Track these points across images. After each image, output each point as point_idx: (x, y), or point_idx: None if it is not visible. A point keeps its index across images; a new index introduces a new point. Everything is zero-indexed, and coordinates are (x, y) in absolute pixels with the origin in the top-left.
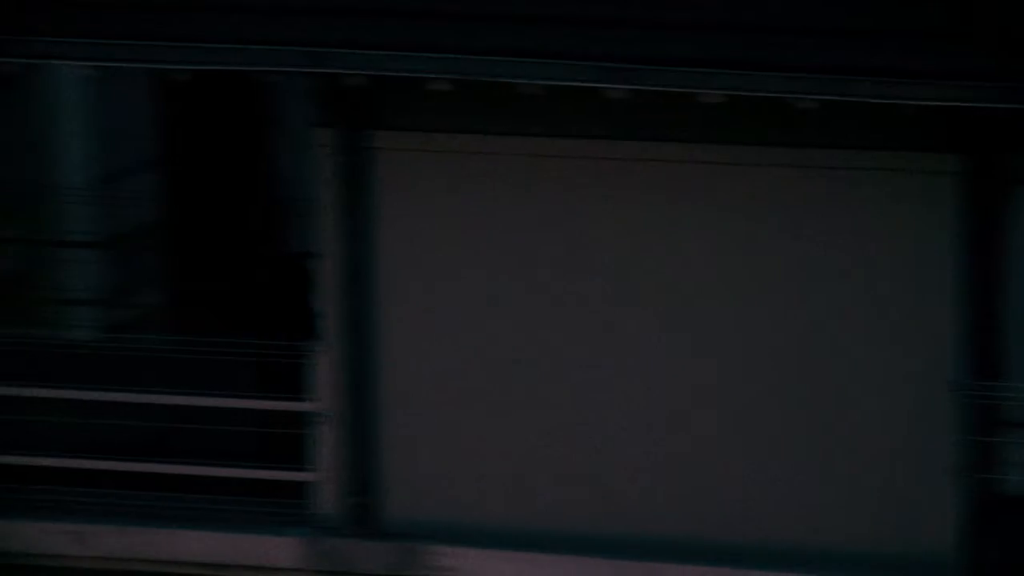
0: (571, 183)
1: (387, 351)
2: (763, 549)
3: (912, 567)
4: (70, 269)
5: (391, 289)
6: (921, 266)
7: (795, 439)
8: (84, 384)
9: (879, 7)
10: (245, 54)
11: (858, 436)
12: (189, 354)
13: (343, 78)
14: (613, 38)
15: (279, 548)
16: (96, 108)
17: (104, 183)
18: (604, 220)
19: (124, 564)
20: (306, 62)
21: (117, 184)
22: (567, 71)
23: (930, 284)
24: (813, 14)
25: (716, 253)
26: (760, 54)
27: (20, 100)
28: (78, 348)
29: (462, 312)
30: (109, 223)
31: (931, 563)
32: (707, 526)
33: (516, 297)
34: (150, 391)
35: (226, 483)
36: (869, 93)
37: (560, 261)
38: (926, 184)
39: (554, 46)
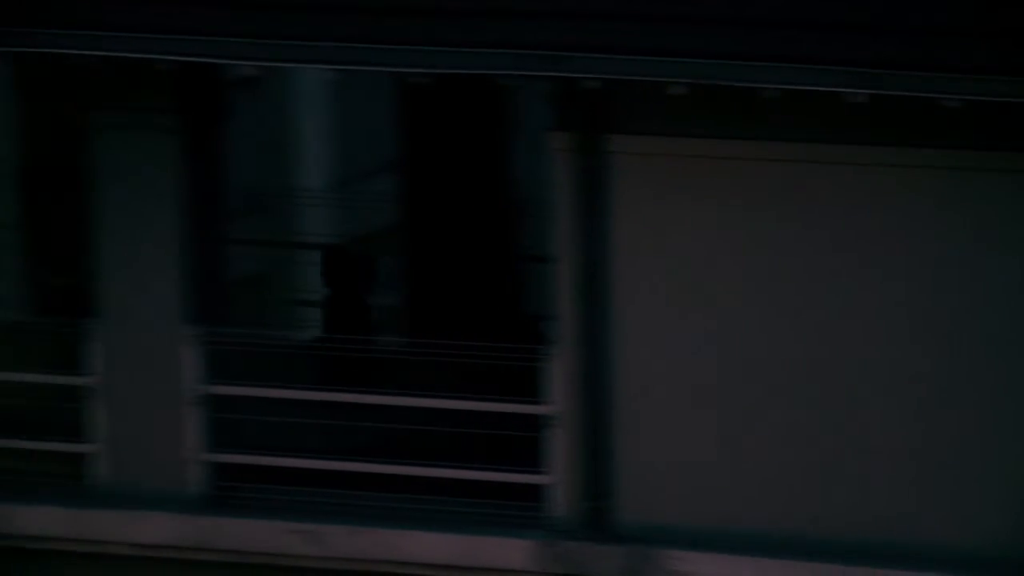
0: (807, 187)
1: (621, 354)
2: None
3: None
4: (309, 271)
5: (626, 292)
6: None
7: None
8: (320, 385)
9: None
10: (484, 57)
11: None
12: (425, 356)
13: (580, 82)
14: (855, 42)
15: (512, 550)
16: (337, 111)
17: (343, 186)
18: (839, 224)
19: (357, 565)
20: (545, 66)
21: (356, 187)
22: (808, 75)
23: None
24: None
25: (956, 254)
26: (999, 57)
27: (263, 103)
28: (315, 349)
29: (696, 315)
30: (348, 225)
31: None
32: (955, 532)
33: (752, 299)
34: (386, 392)
35: (460, 485)
36: None
37: (797, 263)
38: None
39: (795, 49)
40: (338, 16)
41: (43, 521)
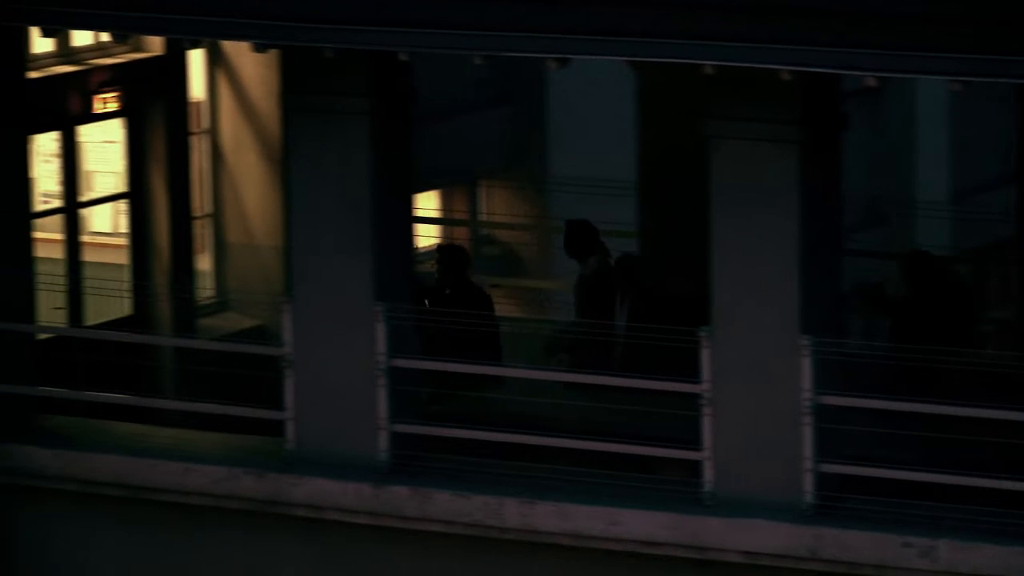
0: None
1: None
2: None
3: None
4: None
5: None
6: None
7: None
8: (929, 398)
9: None
10: None
11: None
12: None
13: None
14: None
15: None
16: (957, 122)
17: (961, 198)
18: None
19: None
20: None
21: (974, 199)
22: None
23: None
24: None
25: None
26: None
27: (881, 113)
28: (928, 362)
29: None
30: (964, 238)
31: None
32: None
33: None
34: (999, 407)
35: None
36: None
37: None
38: None
39: None
40: (955, 27)
41: (652, 526)
